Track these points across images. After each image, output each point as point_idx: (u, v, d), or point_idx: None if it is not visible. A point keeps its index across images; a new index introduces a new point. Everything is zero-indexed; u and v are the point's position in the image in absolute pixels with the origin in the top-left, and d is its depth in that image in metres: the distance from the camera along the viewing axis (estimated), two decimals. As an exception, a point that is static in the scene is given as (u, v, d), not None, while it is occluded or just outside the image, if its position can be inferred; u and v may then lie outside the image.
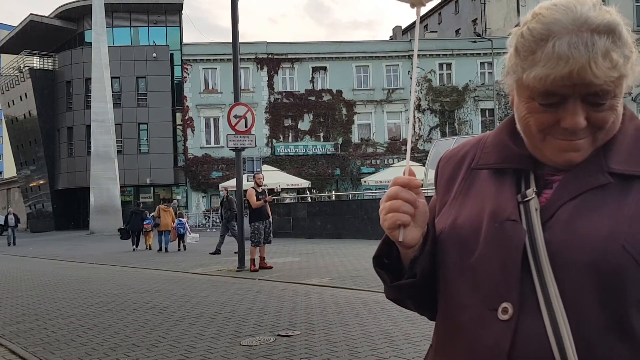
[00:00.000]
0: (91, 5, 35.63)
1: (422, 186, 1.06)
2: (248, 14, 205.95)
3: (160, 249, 18.83)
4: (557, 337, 0.91)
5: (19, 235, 31.84)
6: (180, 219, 19.07)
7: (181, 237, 18.68)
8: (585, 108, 0.95)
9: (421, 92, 40.07)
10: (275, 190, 27.11)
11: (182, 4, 40.25)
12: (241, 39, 13.11)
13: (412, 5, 1.13)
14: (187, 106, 39.14)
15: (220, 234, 16.76)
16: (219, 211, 36.71)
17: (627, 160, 0.98)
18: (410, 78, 39.55)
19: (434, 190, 1.22)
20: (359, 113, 39.99)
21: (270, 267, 11.75)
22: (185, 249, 18.47)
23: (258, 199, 11.67)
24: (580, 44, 0.92)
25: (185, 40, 40.41)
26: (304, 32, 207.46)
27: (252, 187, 11.96)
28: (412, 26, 59.33)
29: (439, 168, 1.21)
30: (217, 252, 15.83)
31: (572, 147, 0.98)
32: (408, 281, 1.09)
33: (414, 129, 40.41)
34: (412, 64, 35.32)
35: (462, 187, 1.13)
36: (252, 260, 11.62)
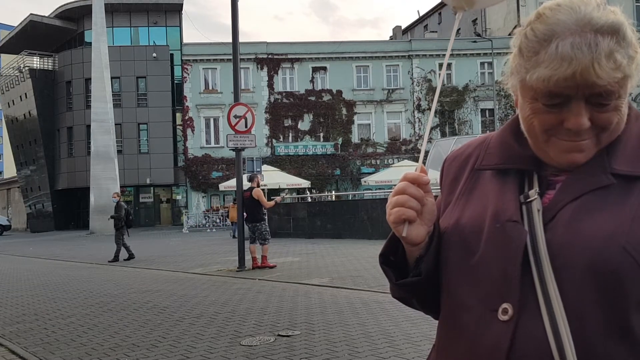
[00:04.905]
0: (91, 5, 35.62)
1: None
2: (255, 12, 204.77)
3: (234, 236, 21.59)
4: (557, 338, 0.91)
5: (19, 236, 31.80)
6: None
7: None
8: (589, 109, 0.95)
9: (421, 92, 40.10)
10: (284, 194, 27.76)
11: (182, 4, 40.28)
12: (247, 38, 13.23)
13: (455, 10, 1.13)
14: (187, 106, 39.14)
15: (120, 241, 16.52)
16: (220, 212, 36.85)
17: (630, 161, 0.98)
18: (411, 78, 39.89)
19: (439, 190, 1.22)
20: (359, 113, 40.00)
21: (274, 266, 11.79)
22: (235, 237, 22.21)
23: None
24: (584, 45, 0.91)
25: (188, 39, 40.52)
26: (310, 30, 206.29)
27: (255, 188, 11.97)
28: (412, 26, 59.31)
29: (444, 168, 1.21)
30: (131, 257, 15.88)
31: (576, 147, 0.97)
32: (413, 279, 1.08)
33: (414, 129, 40.43)
34: (411, 64, 35.03)
35: (466, 188, 1.13)
36: (256, 259, 11.67)
